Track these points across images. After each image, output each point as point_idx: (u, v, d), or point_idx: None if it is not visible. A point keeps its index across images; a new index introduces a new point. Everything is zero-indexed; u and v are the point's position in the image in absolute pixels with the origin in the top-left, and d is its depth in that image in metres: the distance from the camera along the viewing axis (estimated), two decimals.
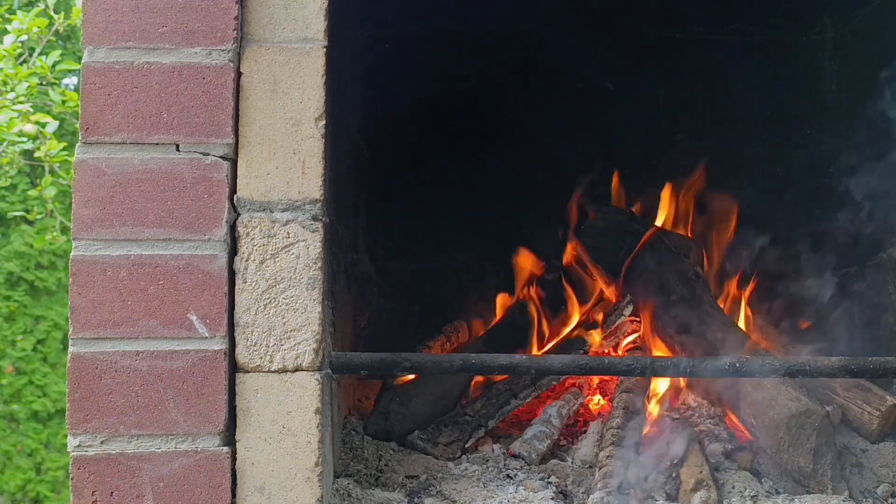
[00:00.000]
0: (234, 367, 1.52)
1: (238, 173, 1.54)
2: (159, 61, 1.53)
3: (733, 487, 1.89)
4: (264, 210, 1.54)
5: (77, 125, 1.85)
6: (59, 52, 5.30)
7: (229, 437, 1.51)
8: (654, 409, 2.21)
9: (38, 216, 6.02)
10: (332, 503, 1.70)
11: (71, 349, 1.50)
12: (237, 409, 1.51)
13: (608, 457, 1.92)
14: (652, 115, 2.74)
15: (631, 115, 2.66)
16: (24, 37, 5.04)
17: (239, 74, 1.55)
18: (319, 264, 1.54)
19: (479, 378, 2.25)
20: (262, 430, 1.51)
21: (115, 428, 1.49)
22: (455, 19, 2.48)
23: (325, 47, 1.56)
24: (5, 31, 5.03)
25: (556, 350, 2.38)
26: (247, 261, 1.53)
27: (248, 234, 1.53)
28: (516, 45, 2.62)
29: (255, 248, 1.53)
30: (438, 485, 1.87)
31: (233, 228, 1.53)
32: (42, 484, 7.30)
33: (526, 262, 2.56)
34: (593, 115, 2.69)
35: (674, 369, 1.80)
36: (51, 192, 5.37)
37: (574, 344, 2.37)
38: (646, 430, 2.13)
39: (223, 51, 1.54)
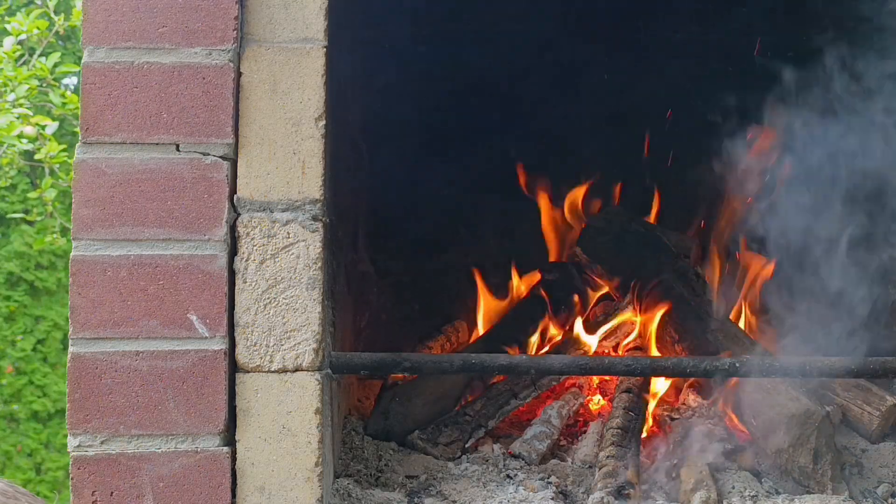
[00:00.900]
0: (234, 367, 1.52)
1: (238, 173, 1.54)
2: (159, 61, 1.53)
3: (733, 487, 1.89)
4: (264, 210, 1.54)
5: (77, 126, 1.85)
6: (59, 53, 5.31)
7: (229, 437, 1.51)
8: (653, 409, 2.21)
9: (38, 217, 6.02)
10: (332, 503, 1.70)
11: (71, 349, 1.50)
12: (237, 409, 1.51)
13: (608, 457, 1.92)
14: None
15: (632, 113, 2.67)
16: (24, 38, 5.04)
17: (239, 74, 1.55)
18: (319, 264, 1.54)
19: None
20: (262, 430, 1.51)
21: (115, 428, 1.49)
22: (455, 19, 2.48)
23: (325, 47, 1.56)
24: (5, 33, 5.03)
25: (555, 350, 2.38)
26: (247, 261, 1.53)
27: (248, 234, 1.53)
28: (517, 46, 2.62)
29: (255, 248, 1.53)
30: (438, 485, 1.87)
31: (233, 228, 1.53)
32: (42, 484, 7.30)
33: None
34: (594, 114, 2.69)
35: (674, 369, 1.80)
36: (51, 194, 5.37)
37: (574, 344, 2.37)
38: (646, 430, 2.13)
39: (223, 51, 1.54)
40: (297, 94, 1.55)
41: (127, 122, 1.52)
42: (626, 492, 1.80)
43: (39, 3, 5.25)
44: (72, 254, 1.51)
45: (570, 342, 2.38)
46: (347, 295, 2.17)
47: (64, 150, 5.25)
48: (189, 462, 1.49)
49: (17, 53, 5.02)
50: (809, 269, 2.02)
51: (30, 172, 7.01)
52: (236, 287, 1.52)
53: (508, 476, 1.93)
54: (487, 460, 2.00)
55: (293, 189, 1.54)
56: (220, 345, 1.50)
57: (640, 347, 2.42)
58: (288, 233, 1.53)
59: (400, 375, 2.16)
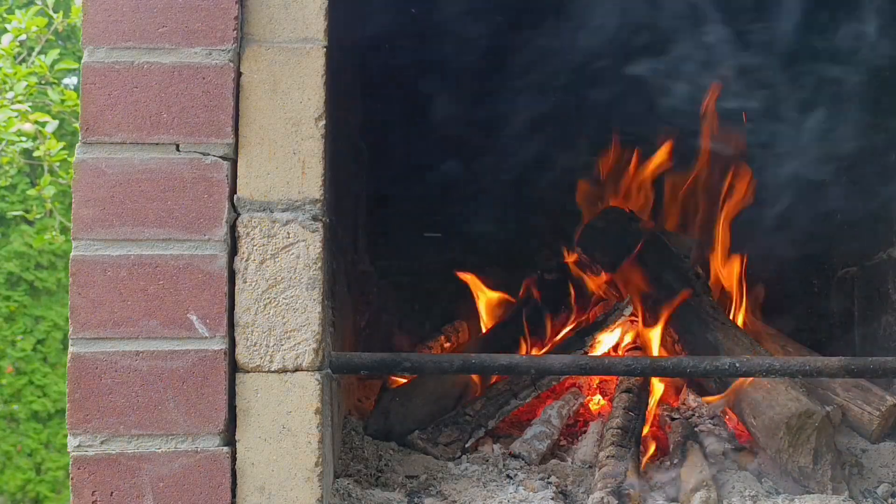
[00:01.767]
0: (234, 367, 1.52)
1: (238, 173, 1.54)
2: (159, 61, 1.53)
3: (733, 487, 1.89)
4: (264, 210, 1.54)
5: (77, 125, 1.85)
6: (57, 51, 5.30)
7: (229, 437, 1.51)
8: (653, 409, 2.21)
9: (38, 216, 6.02)
10: (332, 503, 1.70)
11: (71, 349, 1.50)
12: (237, 409, 1.51)
13: (608, 457, 1.92)
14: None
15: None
16: (23, 36, 5.04)
17: (239, 74, 1.55)
18: (319, 264, 1.54)
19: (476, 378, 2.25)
20: (262, 430, 1.51)
21: (115, 428, 1.49)
22: (454, 19, 2.47)
23: (325, 47, 1.56)
24: (4, 31, 5.02)
25: (555, 350, 2.38)
26: (247, 261, 1.53)
27: (248, 234, 1.53)
28: (517, 46, 2.61)
29: (255, 248, 1.53)
30: (438, 485, 1.87)
31: (233, 228, 1.53)
32: (42, 484, 7.30)
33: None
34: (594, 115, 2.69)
35: (674, 369, 1.79)
36: (50, 192, 5.36)
37: (574, 344, 2.37)
38: (646, 430, 2.13)
39: (223, 51, 1.54)
40: (297, 94, 1.55)
41: (127, 122, 1.52)
42: (626, 492, 1.80)
43: (38, 1, 5.24)
44: (72, 254, 1.51)
45: (574, 342, 2.38)
46: (347, 295, 2.17)
47: (63, 149, 5.25)
48: (189, 462, 1.49)
49: (16, 51, 5.01)
50: None
51: (29, 172, 7.01)
52: (236, 287, 1.52)
53: (508, 476, 1.93)
54: (487, 460, 2.00)
55: (293, 189, 1.54)
56: (220, 345, 1.50)
57: (640, 347, 2.42)
58: (288, 233, 1.53)
59: (400, 377, 2.17)
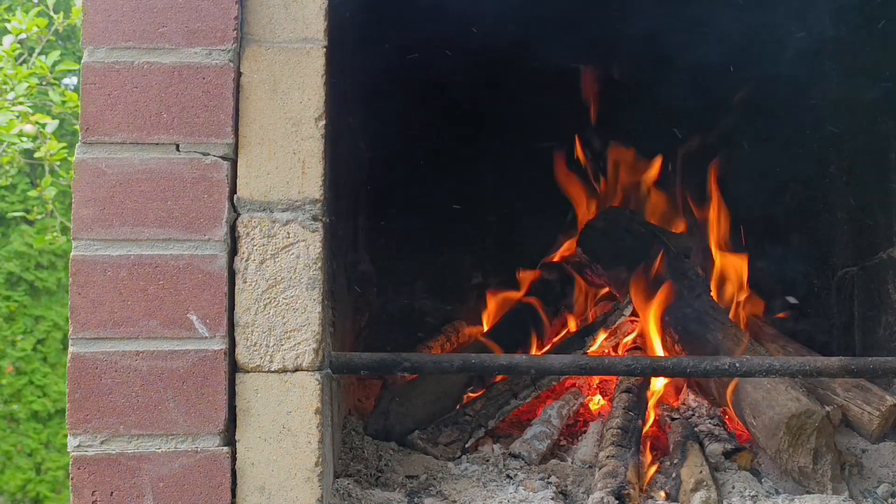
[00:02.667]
0: (234, 367, 1.52)
1: (238, 173, 1.54)
2: (159, 61, 1.53)
3: (733, 487, 1.89)
4: (264, 210, 1.54)
5: (77, 125, 1.85)
6: (58, 52, 5.29)
7: (229, 437, 1.51)
8: (653, 409, 2.21)
9: (38, 216, 6.02)
10: (332, 503, 1.70)
11: (71, 349, 1.50)
12: (237, 409, 1.51)
13: (608, 457, 1.92)
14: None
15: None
16: (24, 36, 5.04)
17: (239, 74, 1.55)
18: (319, 264, 1.54)
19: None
20: (262, 430, 1.51)
21: (115, 428, 1.49)
22: (455, 23, 2.47)
23: (325, 47, 1.56)
24: (5, 31, 5.02)
25: (555, 350, 2.38)
26: (247, 261, 1.53)
27: (248, 234, 1.53)
28: (517, 50, 2.61)
29: (255, 248, 1.53)
30: (438, 485, 1.87)
31: (233, 228, 1.53)
32: (42, 484, 7.30)
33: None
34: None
35: (674, 369, 1.79)
36: (51, 193, 5.37)
37: (574, 344, 2.37)
38: (646, 430, 2.13)
39: (223, 51, 1.54)
40: (297, 94, 1.55)
41: (127, 122, 1.52)
42: (626, 492, 1.80)
43: (37, 1, 5.24)
44: (72, 254, 1.51)
45: (574, 341, 2.38)
46: (347, 295, 2.17)
47: (64, 149, 5.25)
48: (189, 462, 1.49)
49: (17, 52, 5.01)
50: None
51: (30, 172, 7.01)
52: (236, 287, 1.52)
53: (508, 476, 1.93)
54: (487, 460, 2.00)
55: (293, 189, 1.54)
56: (220, 345, 1.50)
57: (640, 347, 2.42)
58: (288, 233, 1.53)
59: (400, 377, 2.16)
